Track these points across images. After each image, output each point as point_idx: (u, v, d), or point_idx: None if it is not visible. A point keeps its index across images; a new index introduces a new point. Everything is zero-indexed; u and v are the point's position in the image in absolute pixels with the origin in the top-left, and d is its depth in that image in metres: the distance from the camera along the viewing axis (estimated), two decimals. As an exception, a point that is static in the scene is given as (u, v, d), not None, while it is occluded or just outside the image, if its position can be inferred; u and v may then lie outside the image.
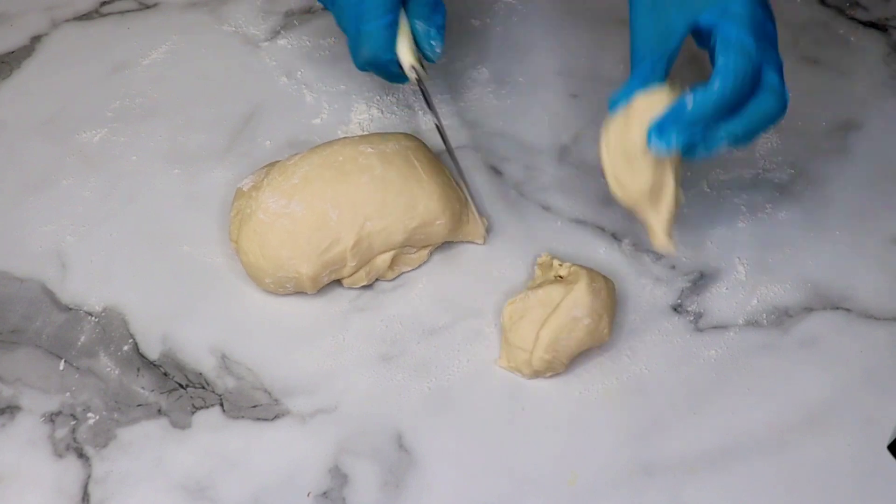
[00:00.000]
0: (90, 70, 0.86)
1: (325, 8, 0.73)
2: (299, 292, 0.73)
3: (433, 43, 0.71)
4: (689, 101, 0.62)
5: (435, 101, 0.83)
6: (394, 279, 0.74)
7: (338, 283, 0.74)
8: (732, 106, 0.62)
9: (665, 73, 0.65)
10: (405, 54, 0.71)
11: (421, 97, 0.73)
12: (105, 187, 0.79)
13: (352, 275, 0.72)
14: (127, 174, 0.80)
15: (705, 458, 0.68)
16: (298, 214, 0.71)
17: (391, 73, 0.71)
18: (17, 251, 0.76)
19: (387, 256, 0.72)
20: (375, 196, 0.71)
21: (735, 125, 0.63)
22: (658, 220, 0.67)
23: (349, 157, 0.72)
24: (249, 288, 0.73)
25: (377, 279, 0.74)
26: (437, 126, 0.73)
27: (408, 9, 0.71)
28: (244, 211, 0.73)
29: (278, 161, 0.75)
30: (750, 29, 0.62)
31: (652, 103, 0.64)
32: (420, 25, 0.71)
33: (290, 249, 0.70)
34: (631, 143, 0.64)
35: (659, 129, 0.62)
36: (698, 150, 0.63)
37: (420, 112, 0.83)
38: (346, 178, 0.71)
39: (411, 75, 0.71)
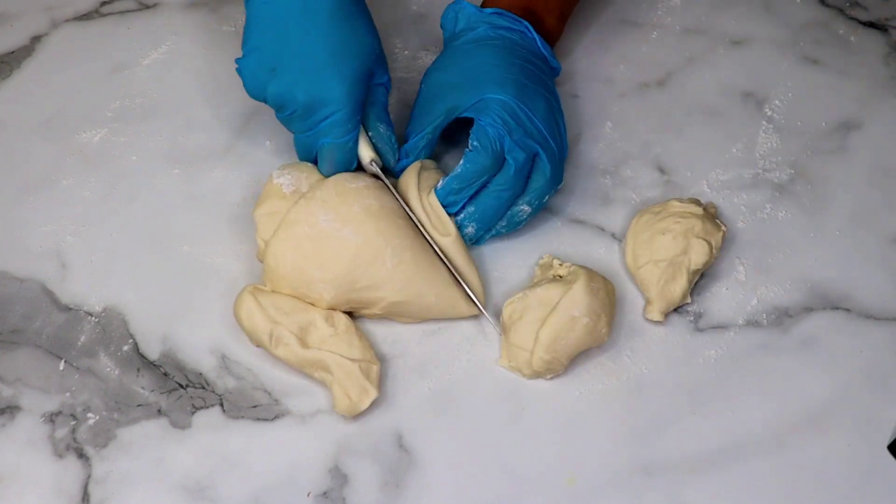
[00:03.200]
0: (90, 70, 0.86)
1: (278, 118, 0.74)
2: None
3: (393, 152, 0.75)
4: (441, 182, 0.73)
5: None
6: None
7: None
8: (477, 186, 0.72)
9: (428, 146, 0.75)
10: (365, 152, 0.74)
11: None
12: (105, 187, 0.79)
13: (370, 315, 0.72)
14: (127, 174, 0.80)
15: (705, 458, 0.68)
16: (351, 244, 0.69)
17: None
18: (17, 251, 0.76)
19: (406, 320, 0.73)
20: (446, 283, 0.71)
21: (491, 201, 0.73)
22: (661, 301, 0.72)
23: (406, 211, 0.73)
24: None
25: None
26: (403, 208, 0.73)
27: (365, 123, 0.74)
28: (285, 216, 0.70)
29: (317, 166, 0.74)
30: (501, 120, 0.72)
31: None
32: (377, 138, 0.74)
33: (325, 273, 0.69)
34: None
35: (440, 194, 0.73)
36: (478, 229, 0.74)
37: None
38: (409, 232, 0.71)
39: (371, 170, 0.74)
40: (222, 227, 0.77)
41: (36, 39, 0.87)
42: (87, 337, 0.72)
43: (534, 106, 0.73)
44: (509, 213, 0.74)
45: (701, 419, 0.69)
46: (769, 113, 0.84)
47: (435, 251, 0.72)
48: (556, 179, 0.74)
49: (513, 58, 0.75)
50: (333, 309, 0.70)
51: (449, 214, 0.73)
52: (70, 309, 0.73)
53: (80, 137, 0.82)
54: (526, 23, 0.77)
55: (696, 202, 0.75)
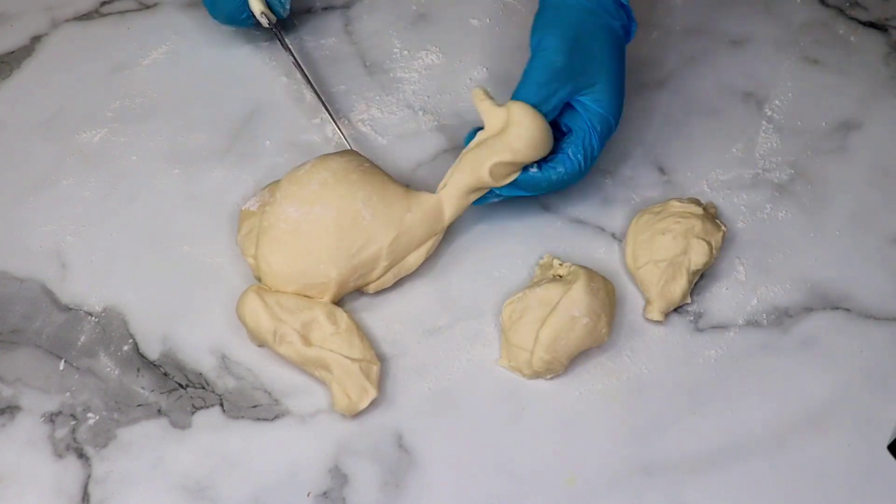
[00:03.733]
0: (90, 70, 0.86)
1: None
2: (388, 291, 0.73)
3: (282, 1, 0.82)
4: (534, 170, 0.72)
5: (435, 100, 0.83)
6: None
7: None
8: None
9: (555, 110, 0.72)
10: (255, 5, 0.81)
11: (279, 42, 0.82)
12: (105, 187, 0.79)
13: (379, 278, 0.72)
14: (127, 174, 0.80)
15: (705, 458, 0.68)
16: (327, 217, 0.70)
17: (247, 24, 0.82)
18: (17, 251, 0.76)
19: (419, 253, 0.73)
20: (405, 193, 0.72)
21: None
22: (661, 300, 0.72)
23: (359, 164, 0.73)
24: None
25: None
26: (294, 64, 0.81)
27: None
28: (260, 226, 0.72)
29: (278, 180, 0.75)
30: (599, 133, 0.72)
31: None
32: None
33: (318, 254, 0.70)
34: None
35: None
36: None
37: (420, 112, 0.83)
38: (373, 179, 0.72)
39: (263, 21, 0.82)
40: (222, 227, 0.77)
41: (36, 39, 0.87)
42: (87, 337, 0.72)
43: (618, 114, 0.74)
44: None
45: (701, 419, 0.69)
46: (769, 113, 0.84)
47: (387, 175, 0.74)
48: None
49: (621, 59, 0.74)
50: (341, 292, 0.71)
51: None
52: (70, 309, 0.73)
53: (80, 137, 0.82)
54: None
55: (696, 202, 0.75)
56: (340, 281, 0.70)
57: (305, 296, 0.71)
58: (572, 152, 0.72)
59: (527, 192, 0.73)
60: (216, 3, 0.81)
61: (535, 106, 0.70)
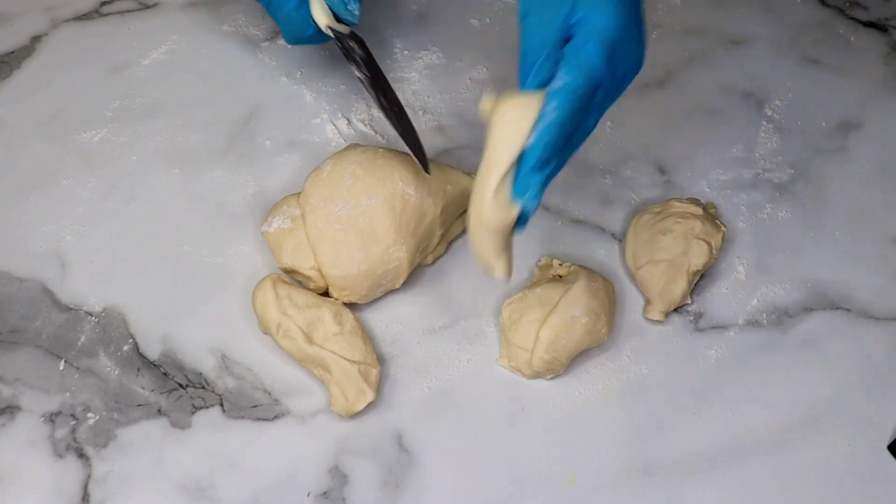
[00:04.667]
0: (90, 70, 0.85)
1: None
2: (389, 292, 0.73)
3: (350, 8, 0.73)
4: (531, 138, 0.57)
5: (435, 100, 0.83)
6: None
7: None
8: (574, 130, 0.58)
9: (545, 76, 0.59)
10: (320, 19, 0.74)
11: (349, 58, 0.75)
12: (105, 187, 0.79)
13: (436, 247, 0.74)
14: (127, 174, 0.80)
15: (705, 458, 0.68)
16: (377, 205, 0.70)
17: (321, 41, 0.76)
18: (17, 251, 0.76)
19: (461, 220, 0.74)
20: (436, 167, 0.73)
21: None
22: (661, 300, 0.72)
23: (375, 151, 0.73)
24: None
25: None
26: (360, 80, 0.74)
27: None
28: (309, 237, 0.71)
29: (290, 195, 0.74)
30: (604, 48, 0.57)
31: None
32: None
33: (382, 242, 0.70)
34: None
35: (523, 181, 0.57)
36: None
37: (420, 112, 0.83)
38: (401, 163, 0.72)
39: (329, 33, 0.74)
40: (222, 227, 0.77)
41: (36, 39, 0.87)
42: (87, 337, 0.72)
43: (640, 28, 0.60)
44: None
45: (701, 419, 0.69)
46: (769, 113, 0.84)
47: (404, 153, 0.73)
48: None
49: None
50: (410, 270, 0.72)
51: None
52: (70, 309, 0.73)
53: (80, 137, 0.82)
54: None
55: (696, 202, 0.75)
56: (410, 259, 0.71)
57: (379, 288, 0.71)
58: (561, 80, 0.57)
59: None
60: (285, 28, 0.75)
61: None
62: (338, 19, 0.74)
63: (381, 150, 0.74)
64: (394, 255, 0.70)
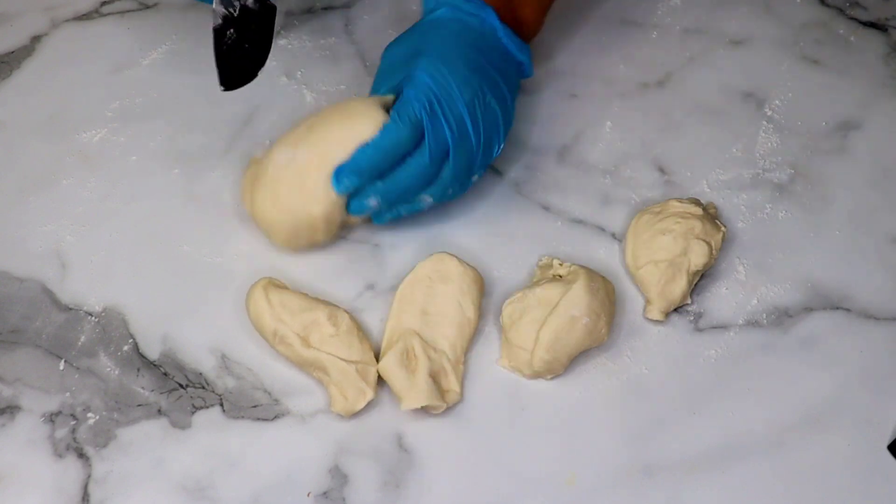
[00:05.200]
0: (90, 70, 0.86)
1: None
2: (314, 246, 0.74)
3: None
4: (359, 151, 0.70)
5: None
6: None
7: (337, 283, 0.74)
8: (392, 160, 0.70)
9: None
10: None
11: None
12: (105, 187, 0.79)
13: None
14: (127, 174, 0.80)
15: (705, 458, 0.68)
16: (304, 159, 0.72)
17: None
18: (17, 251, 0.76)
19: None
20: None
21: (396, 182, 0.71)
22: (661, 300, 0.72)
23: (356, 103, 0.74)
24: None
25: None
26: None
27: None
28: (255, 174, 0.74)
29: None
30: (425, 96, 0.70)
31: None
32: None
33: (299, 195, 0.72)
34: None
35: (337, 174, 0.71)
36: (380, 209, 0.72)
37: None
38: (349, 122, 0.72)
39: None
40: (222, 227, 0.77)
41: (36, 39, 0.87)
42: (87, 337, 0.72)
43: (462, 89, 0.71)
44: (414, 200, 0.73)
45: (701, 419, 0.69)
46: (769, 113, 0.84)
47: None
48: (465, 178, 0.73)
49: (459, 43, 0.73)
50: (331, 230, 0.73)
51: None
52: (70, 309, 0.73)
53: (80, 137, 0.82)
54: (490, 9, 0.75)
55: (696, 202, 0.75)
56: (324, 216, 0.72)
57: (300, 238, 0.73)
58: (391, 113, 0.71)
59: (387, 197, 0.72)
60: None
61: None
62: None
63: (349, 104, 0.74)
64: (307, 210, 0.72)
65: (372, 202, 0.72)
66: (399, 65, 0.74)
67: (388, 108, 0.72)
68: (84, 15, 0.89)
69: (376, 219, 0.74)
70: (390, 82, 0.73)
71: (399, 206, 0.73)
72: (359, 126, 0.71)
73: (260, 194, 0.73)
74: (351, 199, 0.72)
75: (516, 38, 0.76)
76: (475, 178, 0.75)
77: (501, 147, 0.75)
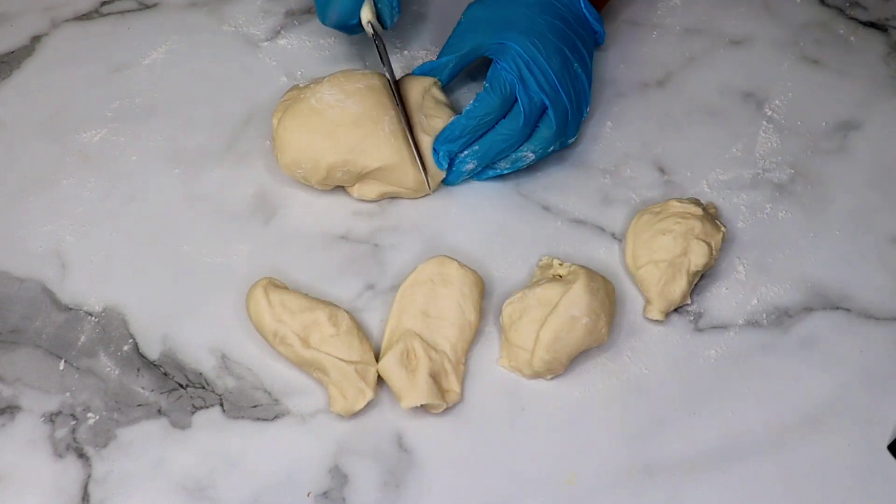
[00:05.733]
0: (90, 70, 0.86)
1: None
2: (307, 185, 0.77)
3: (393, 11, 0.78)
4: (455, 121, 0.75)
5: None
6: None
7: (337, 283, 0.74)
8: (485, 126, 0.75)
9: (450, 71, 0.80)
10: (365, 13, 0.77)
11: (376, 52, 0.78)
12: (105, 187, 0.79)
13: (361, 188, 0.77)
14: (127, 174, 0.80)
15: (705, 458, 0.68)
16: (353, 112, 0.75)
17: (352, 30, 0.79)
18: (17, 251, 0.76)
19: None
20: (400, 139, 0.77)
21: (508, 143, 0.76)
22: (661, 300, 0.72)
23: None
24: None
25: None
26: (389, 80, 0.77)
27: None
28: (297, 97, 0.77)
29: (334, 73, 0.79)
30: (516, 66, 0.74)
31: None
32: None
33: (328, 139, 0.74)
34: None
35: (435, 147, 0.76)
36: (478, 166, 0.77)
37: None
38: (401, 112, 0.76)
39: (368, 30, 0.78)
40: (222, 227, 0.77)
41: (36, 39, 0.87)
42: (87, 337, 0.72)
43: (551, 59, 0.75)
44: (513, 155, 0.77)
45: (701, 419, 0.69)
46: (769, 113, 0.84)
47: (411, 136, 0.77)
48: (563, 133, 0.76)
49: (545, 13, 0.77)
50: (330, 179, 0.76)
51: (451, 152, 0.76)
52: (70, 309, 0.73)
53: (80, 137, 0.82)
54: None
55: (696, 202, 0.75)
56: (330, 167, 0.75)
57: (298, 170, 0.76)
58: (485, 83, 0.75)
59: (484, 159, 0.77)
60: (328, 6, 0.78)
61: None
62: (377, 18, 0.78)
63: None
64: (320, 153, 0.75)
65: (469, 165, 0.77)
66: (484, 28, 0.78)
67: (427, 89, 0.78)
68: (84, 15, 0.89)
69: (478, 177, 0.79)
70: (472, 42, 0.78)
71: (499, 164, 0.77)
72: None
73: (292, 116, 0.75)
74: (448, 173, 0.77)
75: (592, 8, 0.80)
76: (571, 139, 0.78)
77: (588, 108, 0.79)
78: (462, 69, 0.80)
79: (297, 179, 0.77)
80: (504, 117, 0.75)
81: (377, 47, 0.77)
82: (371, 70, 0.80)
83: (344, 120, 0.75)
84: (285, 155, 0.76)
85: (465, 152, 0.76)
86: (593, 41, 0.81)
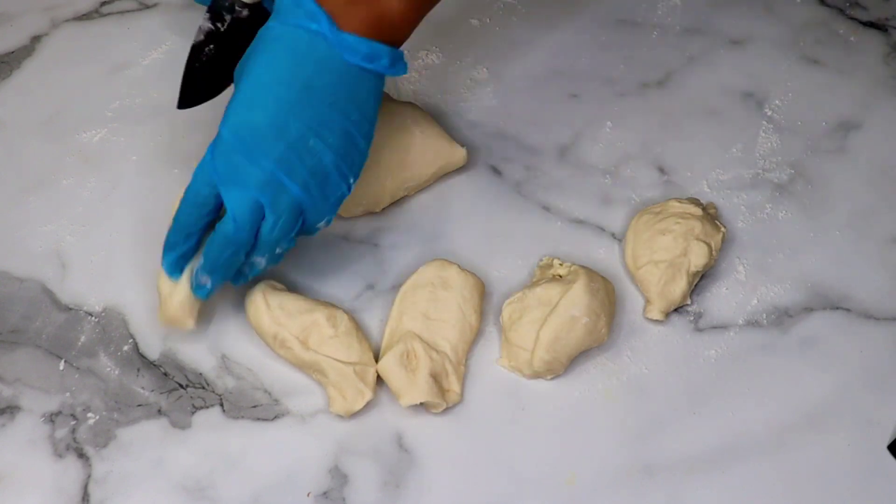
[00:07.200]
0: (90, 70, 0.86)
1: None
2: (369, 212, 0.77)
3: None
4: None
5: (435, 100, 0.83)
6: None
7: (337, 283, 0.74)
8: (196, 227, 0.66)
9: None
10: None
11: None
12: (105, 187, 0.79)
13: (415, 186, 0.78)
14: (127, 174, 0.80)
15: (705, 458, 0.68)
16: (381, 132, 0.71)
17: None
18: (17, 251, 0.76)
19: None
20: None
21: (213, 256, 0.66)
22: (661, 300, 0.72)
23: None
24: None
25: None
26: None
27: None
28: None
29: None
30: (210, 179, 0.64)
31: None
32: None
33: (372, 165, 0.72)
34: None
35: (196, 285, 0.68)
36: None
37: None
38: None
39: None
40: (222, 227, 0.77)
41: (36, 39, 0.87)
42: (87, 337, 0.72)
43: (269, 147, 0.63)
44: (246, 263, 0.67)
45: (701, 419, 0.69)
46: (769, 113, 0.84)
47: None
48: (291, 227, 0.66)
49: (277, 75, 0.64)
50: (393, 198, 0.76)
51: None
52: (70, 309, 0.73)
53: (80, 137, 0.82)
54: (324, 16, 0.63)
55: (696, 202, 0.75)
56: (393, 190, 0.76)
57: (359, 206, 0.76)
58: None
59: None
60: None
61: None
62: None
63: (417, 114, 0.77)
64: (379, 180, 0.74)
65: (205, 281, 0.67)
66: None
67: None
68: (84, 15, 0.89)
69: (201, 292, 0.68)
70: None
71: (234, 277, 0.68)
72: None
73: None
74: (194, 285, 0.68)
75: (368, 43, 0.64)
76: (322, 224, 0.68)
77: (355, 181, 0.68)
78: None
79: (358, 214, 0.77)
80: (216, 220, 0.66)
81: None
82: None
83: (378, 142, 0.71)
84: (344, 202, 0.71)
85: (196, 268, 0.67)
86: (377, 83, 0.66)
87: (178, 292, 0.69)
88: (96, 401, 0.69)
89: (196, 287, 0.68)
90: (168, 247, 0.68)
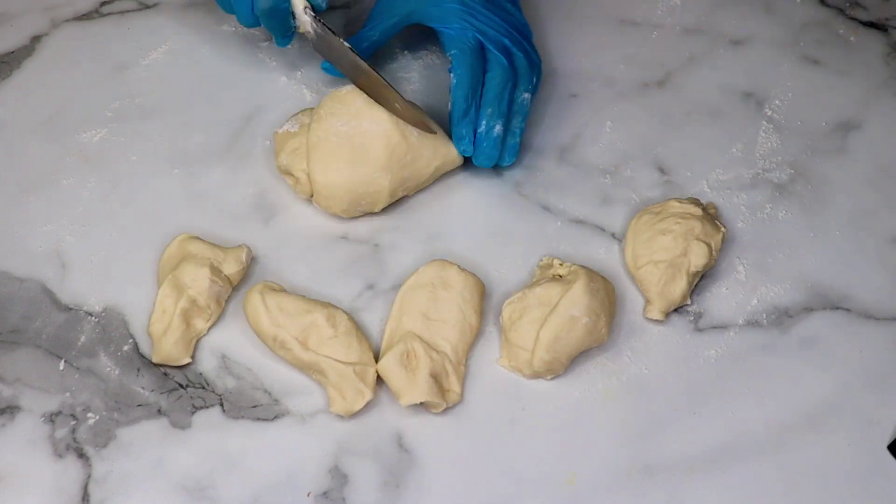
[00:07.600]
0: (90, 70, 0.86)
1: None
2: (367, 213, 0.77)
3: None
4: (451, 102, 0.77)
5: (435, 100, 0.83)
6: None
7: (337, 283, 0.74)
8: (478, 86, 0.76)
9: (377, 41, 0.80)
10: (297, 1, 0.75)
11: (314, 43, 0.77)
12: (105, 187, 0.79)
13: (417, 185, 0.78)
14: (127, 174, 0.80)
15: (705, 458, 0.68)
16: (376, 131, 0.74)
17: (282, 24, 0.76)
18: (17, 251, 0.76)
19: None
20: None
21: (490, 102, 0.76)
22: (661, 300, 0.72)
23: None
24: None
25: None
26: (350, 49, 0.76)
27: None
28: (308, 143, 0.75)
29: (311, 108, 0.79)
30: (467, 23, 0.77)
31: None
32: None
33: (372, 166, 0.74)
34: None
35: (455, 134, 0.76)
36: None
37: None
38: (415, 110, 0.77)
39: (305, 18, 0.75)
40: (222, 227, 0.77)
41: (36, 39, 0.87)
42: (87, 337, 0.72)
43: (485, 5, 0.78)
44: (516, 103, 0.77)
45: (701, 419, 0.69)
46: (769, 113, 0.84)
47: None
48: (532, 61, 0.79)
49: None
50: (391, 200, 0.76)
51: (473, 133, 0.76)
52: (70, 309, 0.73)
53: (80, 137, 0.82)
54: None
55: (696, 202, 0.75)
56: (392, 190, 0.75)
57: (358, 207, 0.76)
58: (448, 52, 0.78)
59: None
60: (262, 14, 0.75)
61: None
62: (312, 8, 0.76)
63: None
64: (375, 180, 0.74)
65: (497, 128, 0.75)
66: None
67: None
68: (84, 15, 0.89)
69: (502, 160, 0.77)
70: (402, 10, 0.79)
71: (514, 125, 0.77)
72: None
73: (321, 162, 0.74)
74: (479, 152, 0.76)
75: None
76: (535, 80, 0.79)
77: (533, 37, 0.82)
78: (388, 40, 0.81)
79: (357, 216, 0.77)
80: (486, 71, 0.76)
81: (324, 35, 0.75)
82: (336, 82, 0.81)
83: (375, 142, 0.74)
84: (340, 202, 0.75)
85: (483, 123, 0.76)
86: None
87: (172, 333, 0.70)
88: (96, 401, 0.69)
89: (490, 140, 0.76)
90: (463, 114, 0.76)
